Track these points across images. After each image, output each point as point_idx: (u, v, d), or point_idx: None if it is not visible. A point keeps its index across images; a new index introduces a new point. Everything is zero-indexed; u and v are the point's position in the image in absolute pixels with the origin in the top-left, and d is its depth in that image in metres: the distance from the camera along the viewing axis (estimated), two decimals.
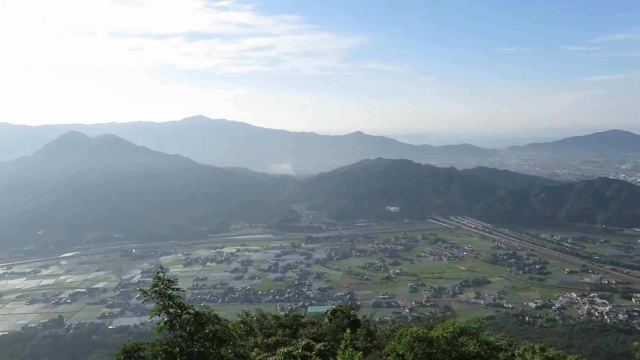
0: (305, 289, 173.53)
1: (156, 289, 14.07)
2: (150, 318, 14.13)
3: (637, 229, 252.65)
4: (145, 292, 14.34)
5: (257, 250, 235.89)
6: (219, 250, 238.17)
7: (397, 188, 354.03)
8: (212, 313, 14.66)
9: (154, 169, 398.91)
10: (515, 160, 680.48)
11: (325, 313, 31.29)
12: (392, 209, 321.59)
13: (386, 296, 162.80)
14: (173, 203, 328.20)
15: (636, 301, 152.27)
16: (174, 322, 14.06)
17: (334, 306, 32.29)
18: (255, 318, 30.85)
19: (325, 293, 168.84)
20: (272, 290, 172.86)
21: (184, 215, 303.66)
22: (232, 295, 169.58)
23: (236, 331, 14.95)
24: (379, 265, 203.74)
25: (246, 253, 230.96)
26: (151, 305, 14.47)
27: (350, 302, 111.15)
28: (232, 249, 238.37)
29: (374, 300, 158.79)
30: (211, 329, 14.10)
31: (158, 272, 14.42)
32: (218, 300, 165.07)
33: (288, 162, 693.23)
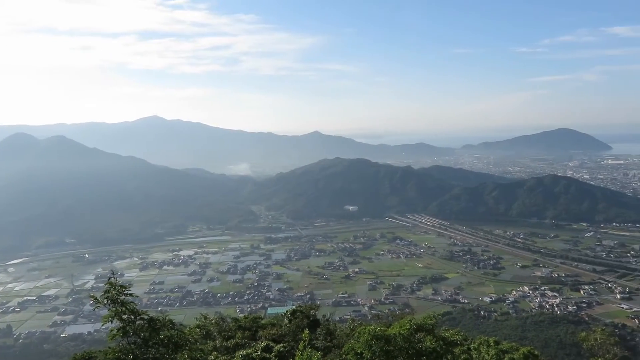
0: (265, 290, 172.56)
1: (108, 295, 13.66)
2: (103, 325, 13.67)
3: (584, 224, 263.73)
4: (96, 298, 13.90)
5: (215, 253, 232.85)
6: (176, 253, 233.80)
7: (355, 187, 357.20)
8: (167, 318, 14.36)
9: (106, 171, 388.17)
10: (469, 159, 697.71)
11: (285, 314, 31.19)
12: (351, 208, 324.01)
13: (346, 295, 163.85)
14: (127, 206, 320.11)
15: (584, 293, 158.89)
16: (128, 328, 13.69)
17: (293, 307, 32.22)
18: (213, 321, 30.40)
19: (285, 294, 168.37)
20: (231, 293, 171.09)
21: (139, 218, 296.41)
22: (190, 299, 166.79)
23: (192, 336, 14.63)
24: (338, 264, 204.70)
25: (204, 255, 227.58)
26: (106, 312, 14.03)
27: (310, 302, 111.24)
28: (190, 252, 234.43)
29: (334, 299, 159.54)
30: (166, 335, 13.79)
31: (110, 278, 14.02)
32: (176, 304, 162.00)
33: (246, 163, 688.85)
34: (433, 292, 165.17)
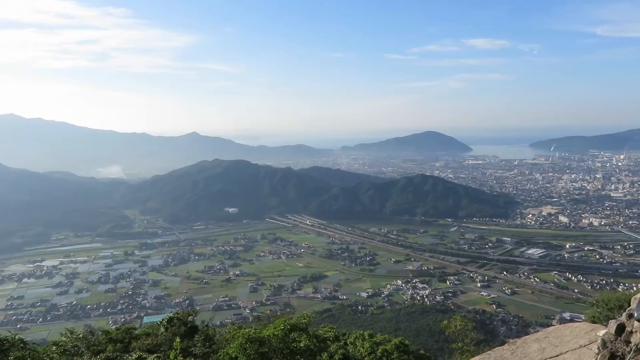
0: (141, 299, 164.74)
1: None
2: None
3: (449, 219, 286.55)
4: None
5: (84, 262, 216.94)
6: (38, 264, 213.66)
7: (235, 189, 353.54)
8: (17, 337, 12.95)
9: None
10: (347, 160, 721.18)
11: (161, 322, 29.78)
12: (231, 210, 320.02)
13: (226, 298, 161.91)
14: None
15: (450, 283, 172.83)
16: None
17: (171, 314, 30.91)
18: (81, 335, 28.14)
19: (163, 301, 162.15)
20: (102, 303, 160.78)
21: None
22: (56, 313, 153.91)
23: (48, 354, 13.34)
24: (218, 267, 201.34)
25: (71, 265, 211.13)
26: None
27: (188, 308, 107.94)
28: (55, 262, 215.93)
29: (214, 303, 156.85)
30: (16, 355, 12.43)
31: None
32: (38, 319, 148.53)
33: (118, 165, 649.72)
34: (313, 290, 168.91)
